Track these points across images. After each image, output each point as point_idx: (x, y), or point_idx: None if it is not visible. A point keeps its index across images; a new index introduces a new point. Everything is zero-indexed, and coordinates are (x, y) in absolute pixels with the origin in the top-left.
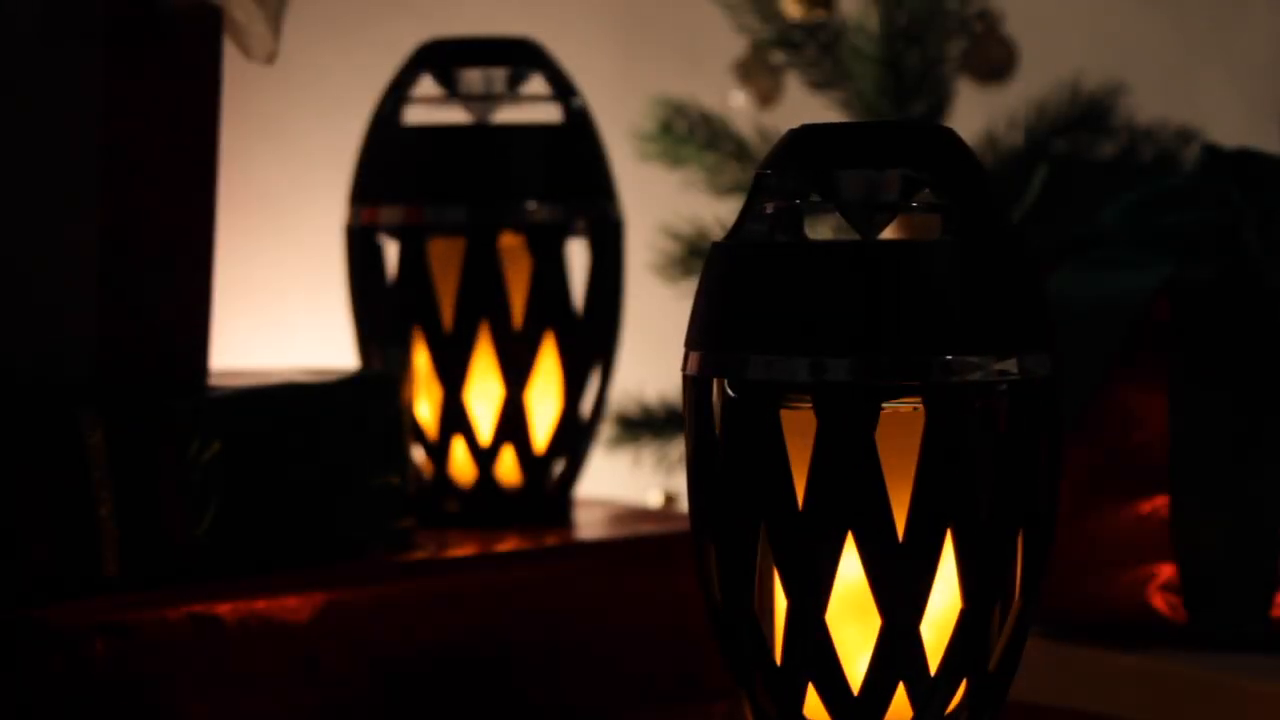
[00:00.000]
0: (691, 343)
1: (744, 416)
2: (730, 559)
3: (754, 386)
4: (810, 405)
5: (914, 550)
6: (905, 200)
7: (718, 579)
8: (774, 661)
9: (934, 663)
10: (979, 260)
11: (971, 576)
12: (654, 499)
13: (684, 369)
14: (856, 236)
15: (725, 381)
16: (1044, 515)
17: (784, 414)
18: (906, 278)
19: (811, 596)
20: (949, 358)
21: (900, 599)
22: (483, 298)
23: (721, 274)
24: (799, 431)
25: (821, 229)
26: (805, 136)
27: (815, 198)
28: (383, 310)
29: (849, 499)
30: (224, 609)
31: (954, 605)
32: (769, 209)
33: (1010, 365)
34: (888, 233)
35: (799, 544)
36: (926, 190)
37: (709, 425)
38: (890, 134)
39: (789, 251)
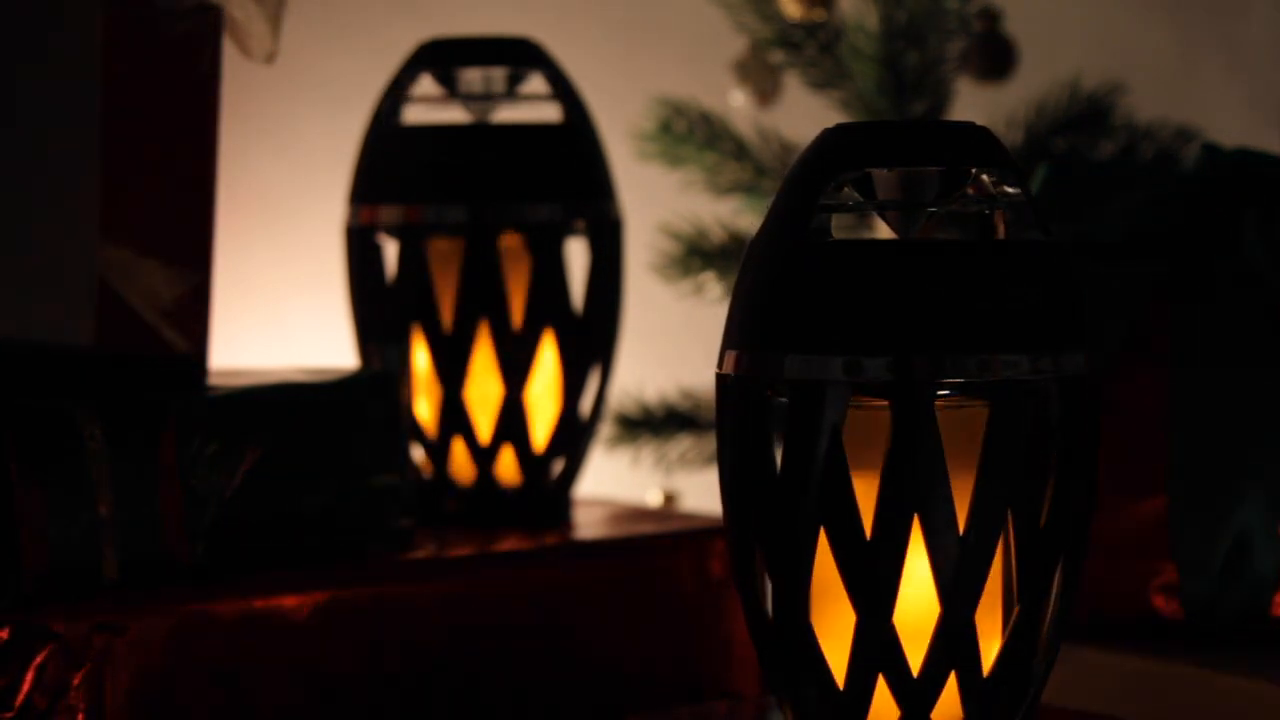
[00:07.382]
0: (729, 342)
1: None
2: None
3: (791, 386)
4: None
5: (977, 545)
6: (943, 199)
7: (761, 584)
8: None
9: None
10: (1022, 258)
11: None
12: (653, 498)
13: (719, 368)
14: (892, 235)
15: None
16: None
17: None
18: (947, 276)
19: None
20: (987, 357)
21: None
22: (482, 297)
23: (760, 274)
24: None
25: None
26: (841, 136)
27: (854, 198)
28: (383, 310)
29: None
30: (224, 609)
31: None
32: (802, 208)
33: (1047, 364)
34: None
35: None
36: (963, 188)
37: (745, 426)
38: (927, 133)
39: (830, 251)
